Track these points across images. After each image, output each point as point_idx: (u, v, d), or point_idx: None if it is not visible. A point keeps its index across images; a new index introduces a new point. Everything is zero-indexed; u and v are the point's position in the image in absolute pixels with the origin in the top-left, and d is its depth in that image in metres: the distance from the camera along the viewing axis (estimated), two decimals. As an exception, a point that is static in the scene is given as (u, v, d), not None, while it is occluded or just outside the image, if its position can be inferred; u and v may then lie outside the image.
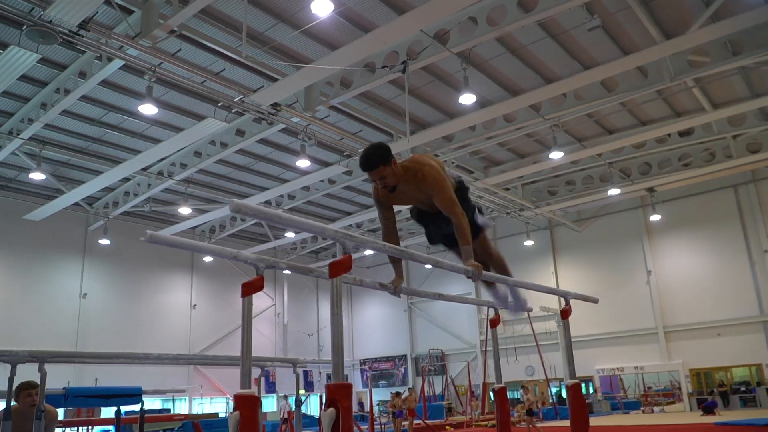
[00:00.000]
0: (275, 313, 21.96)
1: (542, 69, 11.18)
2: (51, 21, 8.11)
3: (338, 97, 10.86)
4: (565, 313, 4.20)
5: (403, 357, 23.03)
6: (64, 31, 8.33)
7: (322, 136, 12.14)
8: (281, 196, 16.26)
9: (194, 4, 8.34)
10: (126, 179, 14.86)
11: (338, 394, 2.07)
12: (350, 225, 19.16)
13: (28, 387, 4.28)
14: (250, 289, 2.48)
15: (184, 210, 15.11)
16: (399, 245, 3.43)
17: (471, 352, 21.32)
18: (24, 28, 8.17)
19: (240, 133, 12.55)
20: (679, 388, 17.74)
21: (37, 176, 12.80)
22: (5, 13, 8.21)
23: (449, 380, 20.60)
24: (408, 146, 12.51)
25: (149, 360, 4.78)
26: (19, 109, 11.67)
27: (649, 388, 18.43)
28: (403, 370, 23.03)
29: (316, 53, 10.04)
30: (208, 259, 18.93)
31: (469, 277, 3.25)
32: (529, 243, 19.17)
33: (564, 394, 19.08)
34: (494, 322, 4.49)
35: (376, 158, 3.32)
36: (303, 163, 11.94)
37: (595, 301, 4.79)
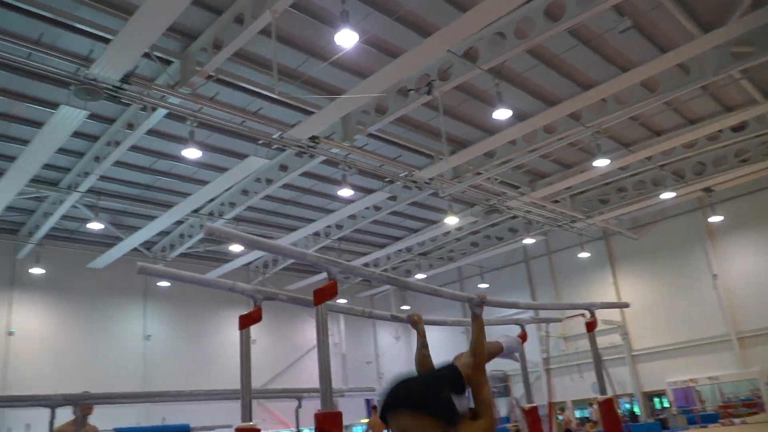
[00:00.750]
0: (333, 343, 22.03)
1: (578, 76, 11.01)
2: (95, 78, 8.56)
3: (375, 125, 10.97)
4: (590, 326, 4.05)
5: (466, 380, 22.61)
6: (108, 86, 8.77)
7: (363, 164, 12.27)
8: (329, 226, 16.44)
9: (227, 49, 8.66)
10: (180, 222, 15.35)
11: (327, 424, 2.05)
12: (400, 250, 19.17)
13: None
14: (247, 321, 2.51)
15: (236, 248, 15.45)
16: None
17: (533, 371, 20.75)
18: (71, 87, 8.65)
19: (283, 168, 12.82)
20: (760, 398, 16.74)
21: (95, 226, 13.38)
22: (53, 75, 8.71)
23: (514, 402, 20.08)
24: (448, 167, 12.50)
25: (198, 396, 4.88)
26: (76, 164, 12.29)
27: (728, 399, 17.46)
28: (466, 393, 22.60)
29: (347, 83, 10.20)
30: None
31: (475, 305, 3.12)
32: (584, 255, 18.68)
33: (637, 410, 18.31)
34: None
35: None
36: (346, 193, 12.07)
37: (624, 305, 4.61)
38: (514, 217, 17.22)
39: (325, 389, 2.12)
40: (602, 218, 17.00)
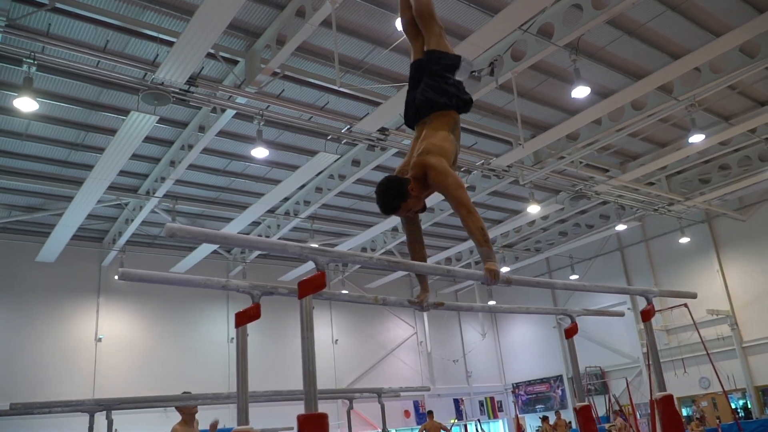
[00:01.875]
0: (417, 342, 21.91)
1: (668, 46, 10.29)
2: (162, 83, 8.80)
3: (446, 112, 10.69)
4: (646, 315, 3.64)
5: (559, 377, 21.91)
6: (175, 90, 9.00)
7: (436, 155, 12.00)
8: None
9: (290, 43, 8.67)
10: (257, 223, 15.68)
11: (309, 426, 1.89)
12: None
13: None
14: (243, 318, 2.39)
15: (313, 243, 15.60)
16: (425, 256, 3.24)
17: (634, 367, 19.79)
18: (139, 93, 8.93)
19: (356, 163, 12.79)
20: None
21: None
22: (122, 82, 9.02)
23: (613, 399, 19.21)
24: (527, 152, 12.07)
25: (265, 398, 4.84)
26: (152, 169, 12.77)
27: None
28: (560, 391, 21.90)
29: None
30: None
31: (483, 283, 3.04)
32: (684, 240, 17.55)
33: (750, 406, 17.06)
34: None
35: (392, 200, 3.27)
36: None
37: (692, 296, 4.13)
38: (605, 202, 16.45)
39: (309, 390, 1.97)
40: (703, 199, 15.91)
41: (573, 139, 12.61)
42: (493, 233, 17.98)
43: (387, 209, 3.29)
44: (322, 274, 2.20)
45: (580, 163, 13.55)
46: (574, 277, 20.70)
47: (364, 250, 18.43)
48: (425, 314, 22.22)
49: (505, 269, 19.38)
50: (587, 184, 14.39)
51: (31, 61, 8.21)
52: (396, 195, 3.27)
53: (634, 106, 11.43)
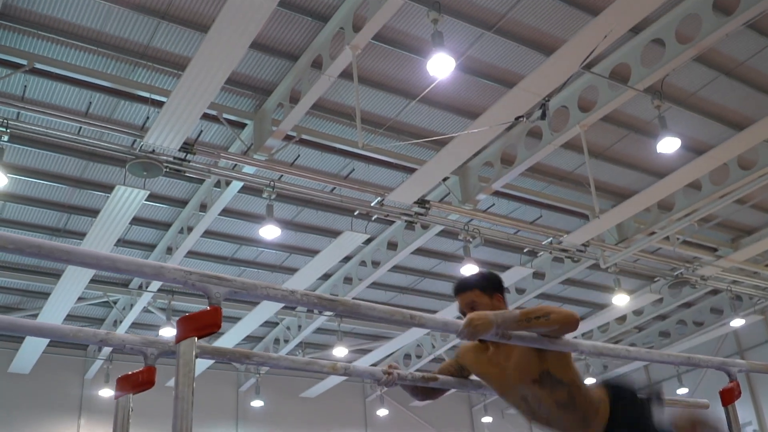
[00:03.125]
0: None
1: (776, 88, 10.18)
2: (153, 150, 9.09)
3: (501, 179, 10.69)
4: (727, 397, 3.40)
5: None
6: (169, 158, 9.27)
7: (491, 233, 11.92)
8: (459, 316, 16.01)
9: (306, 99, 8.90)
10: (273, 323, 15.64)
11: None
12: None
13: None
14: (126, 385, 2.28)
15: (340, 351, 15.43)
16: None
17: None
18: (127, 164, 9.23)
19: (392, 246, 12.76)
20: None
21: (168, 332, 13.94)
22: (108, 152, 9.37)
23: None
24: (605, 227, 11.86)
25: None
26: (146, 258, 13.00)
27: None
28: None
29: (455, 127, 10.10)
30: (382, 412, 18.94)
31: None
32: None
33: None
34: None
35: (480, 280, 3.52)
36: (469, 270, 11.68)
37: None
38: (716, 291, 15.87)
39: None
40: None
41: (666, 209, 12.36)
42: (570, 334, 17.43)
43: (463, 284, 3.47)
44: (215, 309, 2.09)
45: (678, 239, 13.19)
46: (682, 391, 19.76)
47: (407, 357, 18.10)
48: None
49: (588, 381, 18.63)
50: (690, 267, 13.96)
51: (4, 130, 8.61)
52: (490, 279, 3.48)
53: (741, 165, 11.19)
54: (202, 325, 2.07)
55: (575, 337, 12.52)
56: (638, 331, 18.61)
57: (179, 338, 2.07)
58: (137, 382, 2.36)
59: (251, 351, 3.14)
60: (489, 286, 3.41)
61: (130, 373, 2.39)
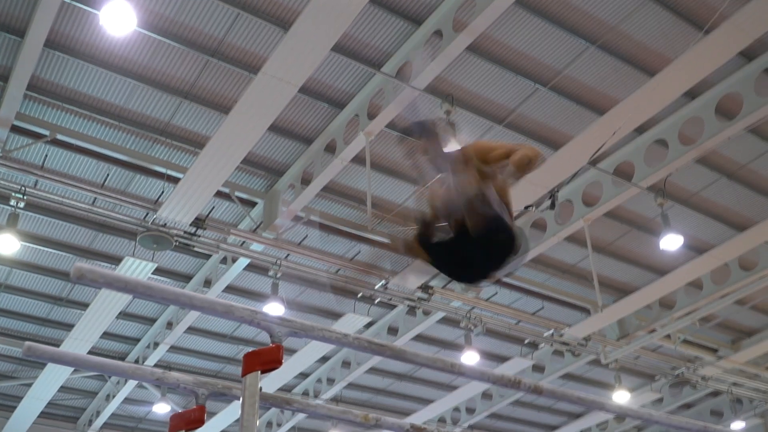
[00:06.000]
0: None
1: (777, 191, 10.50)
2: (165, 224, 9.32)
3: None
4: None
5: None
6: (179, 233, 9.48)
7: (493, 322, 12.01)
8: (457, 409, 15.88)
9: (317, 182, 9.24)
10: (266, 407, 15.45)
11: None
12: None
13: None
14: (180, 423, 2.44)
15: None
16: None
17: None
18: (138, 236, 9.43)
19: (392, 331, 12.82)
20: None
21: (162, 408, 13.82)
22: (119, 224, 9.58)
23: None
24: (606, 322, 11.99)
25: None
26: (145, 332, 13.05)
27: None
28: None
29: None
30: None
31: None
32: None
33: None
34: None
35: None
36: (470, 358, 11.72)
37: None
38: (716, 393, 15.78)
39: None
40: None
41: (668, 307, 12.48)
42: (568, 431, 17.27)
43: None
44: (277, 347, 2.26)
45: (679, 338, 13.26)
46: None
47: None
48: None
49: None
50: (691, 366, 13.97)
51: (20, 196, 8.84)
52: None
53: (742, 266, 11.40)
54: (266, 360, 2.29)
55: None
56: (638, 431, 18.35)
57: (245, 371, 2.27)
58: (189, 420, 2.55)
59: (292, 397, 3.33)
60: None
61: (181, 411, 2.58)
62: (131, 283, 2.37)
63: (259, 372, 2.31)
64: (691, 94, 8.71)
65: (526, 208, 8.17)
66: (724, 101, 8.64)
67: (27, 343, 2.48)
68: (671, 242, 9.67)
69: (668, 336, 12.94)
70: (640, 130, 9.13)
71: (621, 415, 11.33)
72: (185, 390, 2.70)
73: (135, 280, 2.39)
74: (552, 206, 6.35)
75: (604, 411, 3.56)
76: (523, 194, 8.91)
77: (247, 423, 2.22)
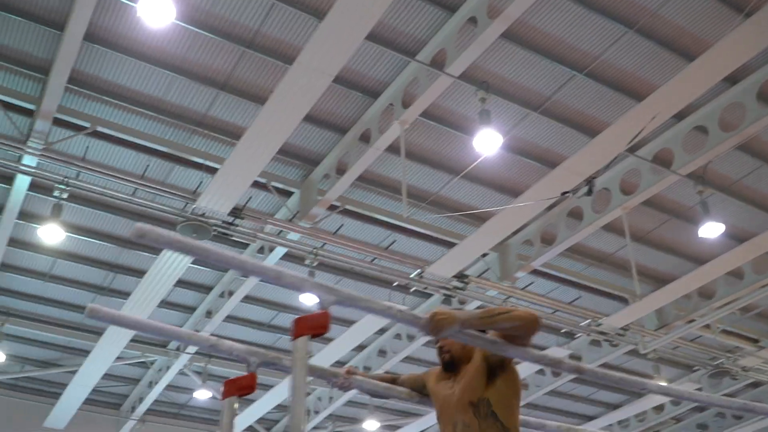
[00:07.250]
0: None
1: (821, 178, 10.21)
2: (203, 213, 9.38)
3: (540, 257, 10.77)
4: None
5: None
6: (218, 222, 9.55)
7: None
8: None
9: (352, 171, 9.20)
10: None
11: None
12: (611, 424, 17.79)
13: None
14: (231, 388, 2.48)
15: (371, 425, 15.28)
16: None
17: None
18: (177, 226, 9.51)
19: (428, 320, 12.77)
20: None
21: (203, 395, 13.98)
22: (159, 214, 9.67)
23: None
24: (645, 312, 11.79)
25: None
26: (185, 320, 13.19)
27: None
28: None
29: (494, 204, 10.27)
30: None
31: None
32: None
33: None
34: None
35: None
36: (506, 348, 11.63)
37: None
38: (756, 384, 15.47)
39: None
40: None
41: (707, 297, 12.24)
42: (606, 421, 17.09)
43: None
44: (325, 314, 2.29)
45: (718, 328, 13.01)
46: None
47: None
48: None
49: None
50: (731, 357, 13.70)
51: (64, 187, 8.98)
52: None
53: (784, 254, 11.12)
54: (314, 325, 2.50)
55: (610, 425, 12.28)
56: (676, 422, 18.09)
57: (296, 335, 2.51)
58: (241, 386, 2.75)
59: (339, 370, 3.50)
60: None
61: (233, 378, 2.69)
62: (188, 245, 2.47)
63: (308, 336, 2.52)
64: (732, 80, 8.48)
65: (564, 194, 8.08)
66: (766, 86, 8.41)
67: (90, 305, 2.58)
68: (711, 231, 9.47)
69: (707, 326, 12.69)
70: (679, 116, 8.93)
71: (674, 397, 11.17)
72: (238, 357, 2.79)
73: (191, 242, 2.48)
74: (589, 192, 6.21)
75: (647, 392, 3.52)
76: (560, 182, 8.82)
77: (298, 383, 2.30)
